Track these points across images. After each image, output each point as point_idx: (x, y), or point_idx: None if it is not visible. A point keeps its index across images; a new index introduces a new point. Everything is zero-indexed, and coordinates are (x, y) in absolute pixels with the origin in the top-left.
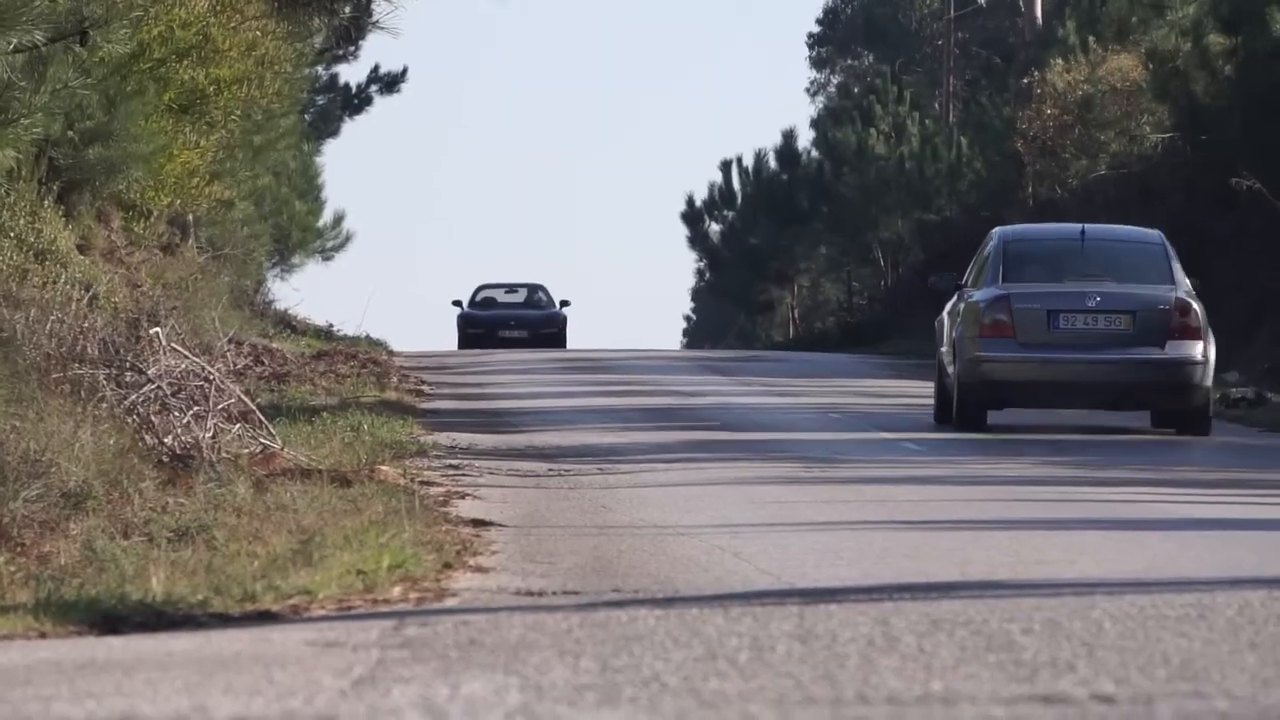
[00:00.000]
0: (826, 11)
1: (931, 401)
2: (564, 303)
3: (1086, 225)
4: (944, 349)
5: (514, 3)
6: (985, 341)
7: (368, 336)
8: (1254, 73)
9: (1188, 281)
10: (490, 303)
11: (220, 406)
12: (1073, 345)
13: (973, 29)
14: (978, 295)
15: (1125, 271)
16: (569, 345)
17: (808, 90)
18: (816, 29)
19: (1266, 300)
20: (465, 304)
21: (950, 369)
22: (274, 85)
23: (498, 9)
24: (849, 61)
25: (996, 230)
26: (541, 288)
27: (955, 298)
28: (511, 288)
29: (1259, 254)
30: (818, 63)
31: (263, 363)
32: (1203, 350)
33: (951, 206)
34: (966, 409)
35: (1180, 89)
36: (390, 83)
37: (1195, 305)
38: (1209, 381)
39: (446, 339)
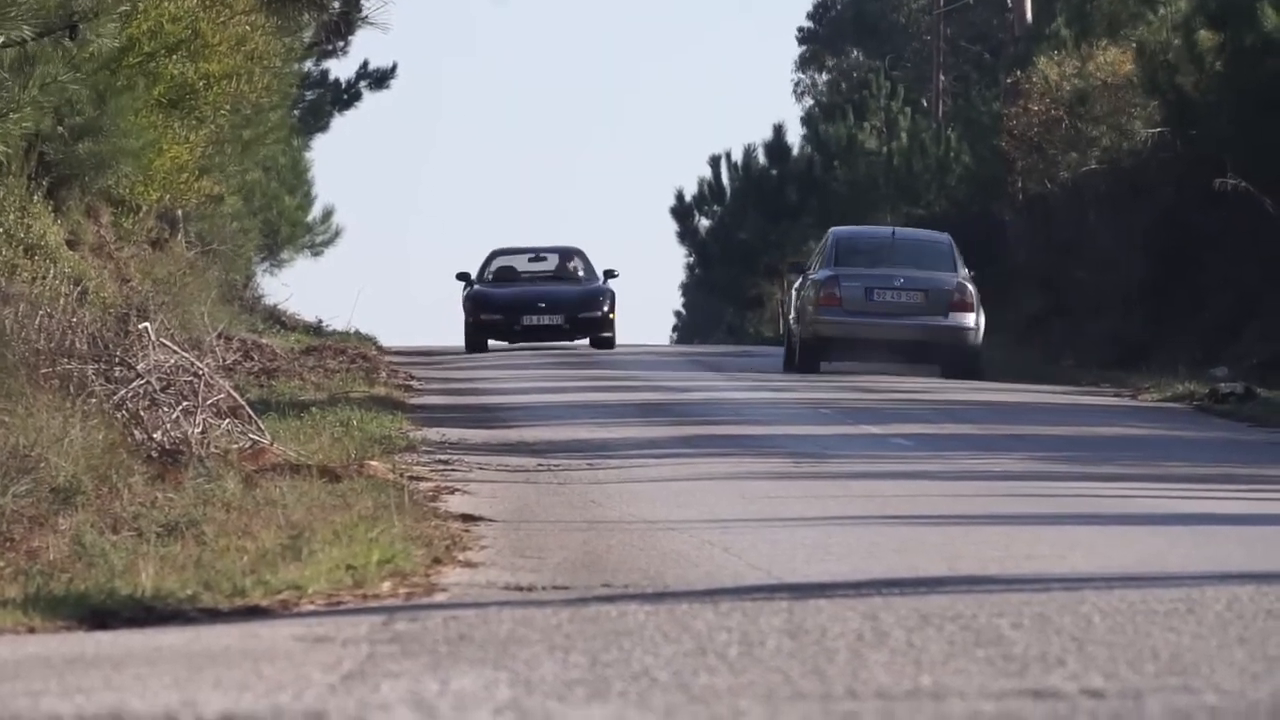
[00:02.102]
0: (817, 6)
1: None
2: (609, 273)
3: (896, 228)
4: (791, 316)
5: (496, 5)
6: (821, 309)
7: (357, 332)
8: (1243, 68)
9: (965, 270)
10: (509, 275)
11: (209, 402)
12: (883, 313)
13: (962, 24)
14: (816, 276)
15: (922, 262)
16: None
17: (794, 91)
18: (807, 24)
19: (1254, 296)
20: (475, 278)
21: (795, 330)
22: (263, 80)
23: (495, 7)
24: (837, 60)
25: (831, 230)
26: (578, 253)
27: (800, 278)
28: (537, 254)
29: (1247, 249)
30: (805, 60)
31: (252, 358)
32: (974, 319)
33: (940, 202)
34: (806, 359)
35: (1169, 84)
36: (380, 78)
37: (970, 287)
38: (979, 341)
39: (436, 334)
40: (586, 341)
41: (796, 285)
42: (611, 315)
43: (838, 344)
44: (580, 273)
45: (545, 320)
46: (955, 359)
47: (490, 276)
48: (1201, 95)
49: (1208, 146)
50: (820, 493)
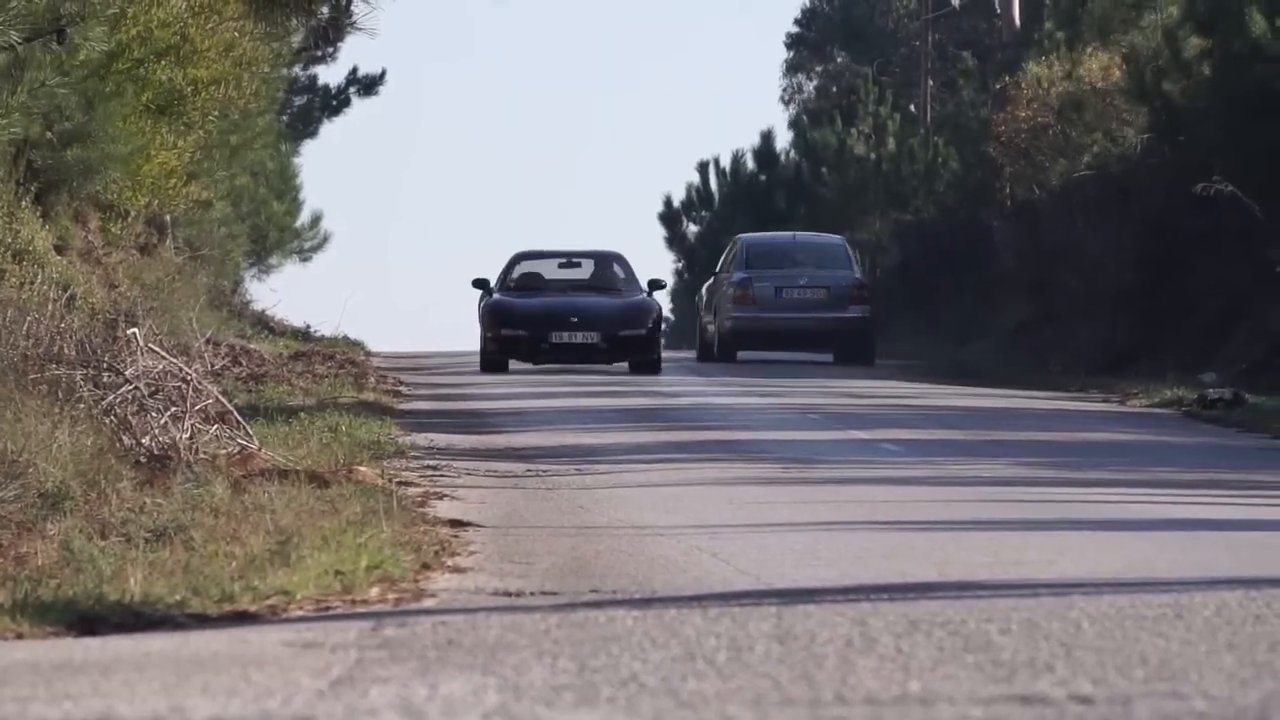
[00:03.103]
0: (805, 12)
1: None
2: (655, 284)
3: (797, 234)
4: (704, 312)
5: (491, 4)
6: (736, 306)
7: (345, 337)
8: (1231, 73)
9: (859, 269)
10: (535, 283)
11: (198, 407)
12: (791, 308)
13: (950, 30)
14: (731, 278)
15: (823, 262)
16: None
17: (782, 98)
18: (795, 29)
19: (1243, 301)
20: (495, 286)
21: (710, 325)
22: (252, 86)
23: (492, 8)
24: (825, 65)
25: (740, 236)
26: (617, 258)
27: (713, 280)
28: (570, 259)
29: (1236, 255)
30: (794, 65)
31: (240, 363)
32: (868, 312)
33: (929, 207)
34: (724, 350)
35: (1157, 90)
36: (369, 84)
37: (864, 283)
38: (873, 331)
39: (425, 339)
40: (625, 365)
41: (708, 286)
42: (658, 335)
43: (752, 336)
44: (620, 282)
45: (578, 338)
46: (854, 347)
47: (513, 284)
48: (1190, 101)
49: (1197, 152)
50: (809, 498)
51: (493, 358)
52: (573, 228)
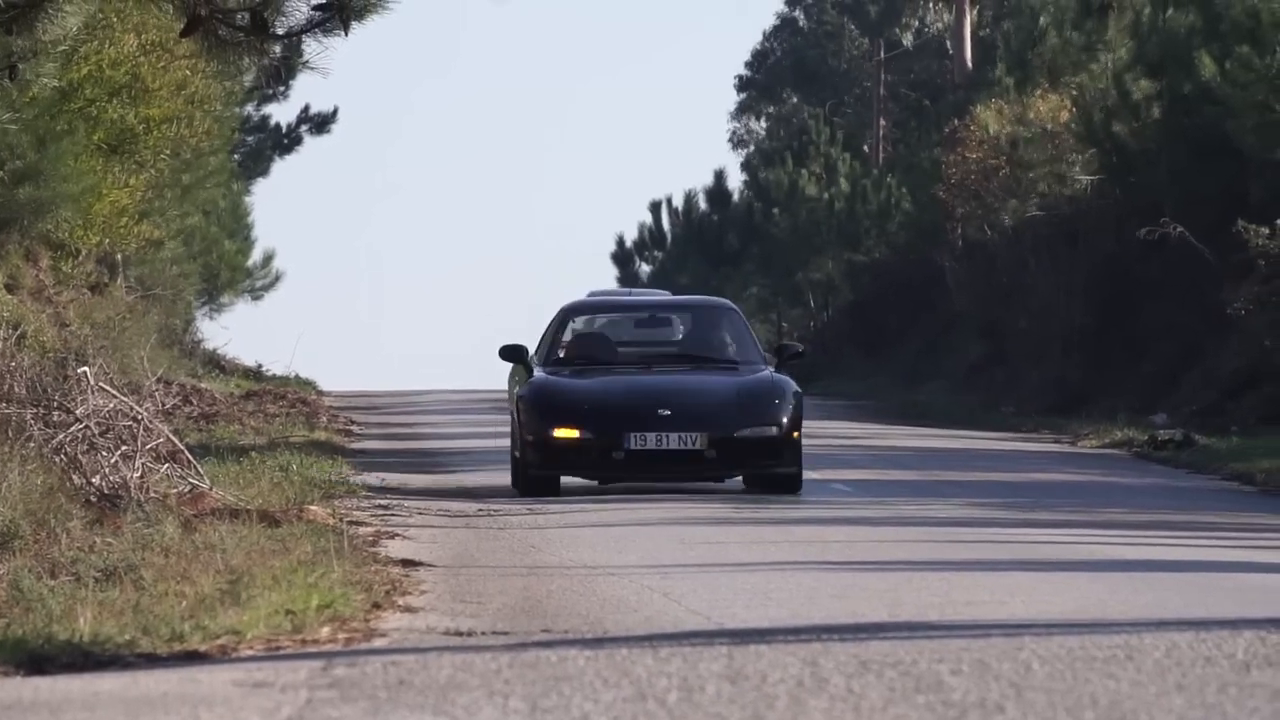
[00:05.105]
0: (755, 54)
1: None
2: (787, 351)
3: (633, 289)
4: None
5: (442, 43)
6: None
7: (297, 376)
8: (1180, 116)
9: None
10: (598, 352)
11: (148, 446)
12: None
13: (902, 71)
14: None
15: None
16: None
17: (731, 139)
18: (745, 72)
19: (1193, 343)
20: (536, 357)
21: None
22: (204, 124)
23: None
24: (776, 107)
25: (591, 289)
26: (725, 311)
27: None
28: (652, 312)
29: (1186, 297)
30: (744, 107)
31: (191, 402)
32: None
33: (881, 248)
34: None
35: (1106, 132)
36: (321, 123)
37: None
38: None
39: (377, 378)
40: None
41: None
42: (795, 433)
43: None
44: (732, 348)
45: (672, 441)
46: None
47: (562, 355)
48: (1140, 143)
49: (1147, 194)
50: (760, 538)
51: (538, 470)
52: (525, 268)
